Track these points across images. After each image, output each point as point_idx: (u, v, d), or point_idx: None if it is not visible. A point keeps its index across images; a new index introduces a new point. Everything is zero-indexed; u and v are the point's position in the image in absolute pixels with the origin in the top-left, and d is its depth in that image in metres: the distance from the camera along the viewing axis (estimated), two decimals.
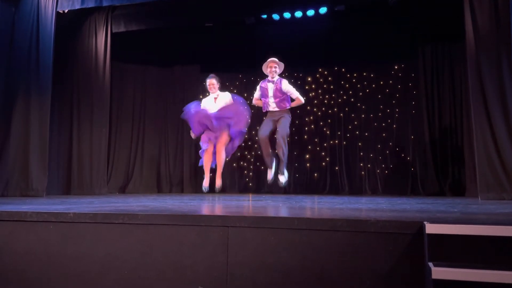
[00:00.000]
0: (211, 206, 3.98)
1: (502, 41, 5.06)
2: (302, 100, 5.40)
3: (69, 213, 2.84)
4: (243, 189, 8.34)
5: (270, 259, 2.46)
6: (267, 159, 5.26)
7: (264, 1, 6.57)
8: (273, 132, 5.27)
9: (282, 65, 5.41)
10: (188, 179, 8.34)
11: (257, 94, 5.54)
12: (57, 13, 6.35)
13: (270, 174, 5.24)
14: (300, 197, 6.18)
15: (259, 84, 5.52)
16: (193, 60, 8.50)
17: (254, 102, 5.64)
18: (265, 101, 5.36)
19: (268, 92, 5.31)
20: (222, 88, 8.62)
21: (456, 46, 6.96)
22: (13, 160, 6.01)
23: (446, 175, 7.03)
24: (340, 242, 2.37)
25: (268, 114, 5.40)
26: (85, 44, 7.08)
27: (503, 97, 5.03)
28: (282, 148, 5.12)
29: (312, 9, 7.35)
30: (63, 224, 2.82)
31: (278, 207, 3.82)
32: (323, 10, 7.38)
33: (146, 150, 8.32)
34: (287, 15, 7.57)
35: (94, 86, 6.98)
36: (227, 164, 8.54)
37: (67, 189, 6.82)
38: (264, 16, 7.74)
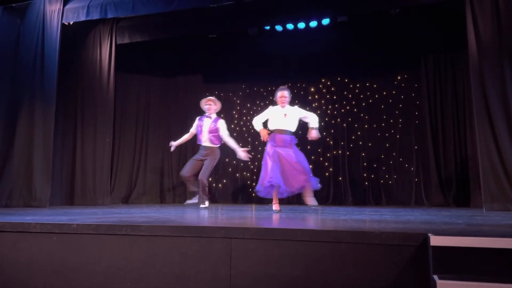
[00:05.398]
0: (214, 217, 3.97)
1: (505, 51, 5.07)
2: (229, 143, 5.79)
3: (73, 224, 2.84)
4: (247, 200, 8.31)
5: (273, 270, 2.45)
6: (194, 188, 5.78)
7: (267, 12, 6.61)
8: (197, 170, 5.74)
9: (219, 103, 6.01)
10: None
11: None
12: (63, 24, 6.42)
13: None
14: (303, 207, 6.16)
15: (202, 120, 5.89)
16: (196, 70, 8.55)
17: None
18: (199, 136, 5.82)
19: (203, 128, 5.80)
20: (227, 99, 8.70)
21: (459, 55, 6.98)
22: (16, 170, 6.04)
23: (450, 185, 6.99)
24: (344, 253, 2.36)
25: (203, 150, 5.82)
26: (89, 55, 7.14)
27: (506, 107, 5.02)
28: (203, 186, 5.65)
29: (315, 20, 7.39)
30: (67, 235, 2.82)
31: (282, 218, 3.80)
32: (326, 21, 7.42)
33: (149, 160, 8.33)
34: (290, 26, 7.61)
35: (98, 96, 7.02)
36: (230, 175, 8.55)
37: (70, 199, 6.82)
38: (267, 27, 7.79)
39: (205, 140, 5.80)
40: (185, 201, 8.18)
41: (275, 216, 4.12)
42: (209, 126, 5.79)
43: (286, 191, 4.75)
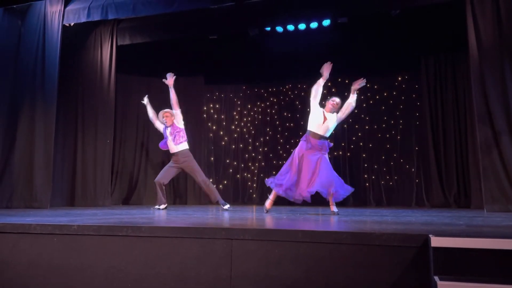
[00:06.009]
0: (215, 218, 3.97)
1: (505, 51, 5.07)
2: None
3: (73, 225, 2.84)
4: (247, 201, 8.31)
5: (274, 272, 2.44)
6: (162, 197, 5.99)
7: (268, 13, 6.61)
8: (171, 177, 6.12)
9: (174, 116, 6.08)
10: (192, 190, 8.32)
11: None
12: (63, 26, 6.42)
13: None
14: (304, 208, 6.16)
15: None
16: (197, 71, 8.55)
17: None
18: (167, 144, 6.01)
19: (167, 134, 5.99)
20: (228, 100, 8.67)
21: (459, 56, 6.98)
22: (17, 172, 6.04)
23: (451, 186, 6.98)
24: (344, 255, 2.36)
25: (173, 156, 6.02)
26: (90, 56, 7.14)
27: (507, 107, 5.02)
28: (210, 188, 5.94)
29: (315, 21, 7.39)
30: (67, 237, 2.82)
31: (282, 219, 3.80)
32: (326, 22, 7.42)
33: (150, 161, 8.32)
34: (290, 27, 7.61)
35: (99, 98, 7.02)
36: (230, 176, 8.55)
37: (71, 201, 6.82)
38: (268, 29, 7.80)
39: (172, 147, 5.94)
40: (186, 202, 8.23)
41: (276, 217, 4.12)
42: (171, 131, 5.95)
43: (292, 196, 4.86)
